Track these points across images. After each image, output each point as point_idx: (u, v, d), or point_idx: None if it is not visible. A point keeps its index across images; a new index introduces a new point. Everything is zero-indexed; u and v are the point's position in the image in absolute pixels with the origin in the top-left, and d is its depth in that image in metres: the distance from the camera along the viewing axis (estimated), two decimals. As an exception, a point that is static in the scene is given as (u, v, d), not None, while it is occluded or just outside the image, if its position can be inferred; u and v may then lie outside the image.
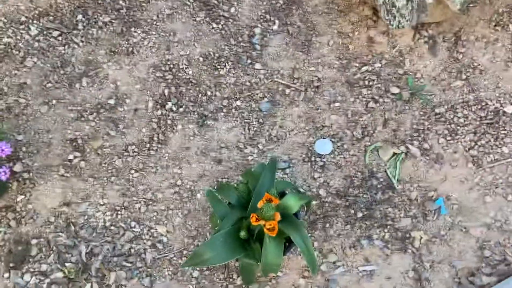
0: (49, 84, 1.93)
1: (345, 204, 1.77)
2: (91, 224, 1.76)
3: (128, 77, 1.96)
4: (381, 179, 1.81)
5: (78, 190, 1.80)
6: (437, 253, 1.69)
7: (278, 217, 1.29)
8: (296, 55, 2.02)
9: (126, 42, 2.01)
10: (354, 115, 1.92)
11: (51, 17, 2.03)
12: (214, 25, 2.05)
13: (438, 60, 1.99)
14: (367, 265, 1.69)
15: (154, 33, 2.03)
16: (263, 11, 2.08)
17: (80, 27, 2.03)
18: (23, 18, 2.02)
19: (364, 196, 1.79)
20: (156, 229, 1.76)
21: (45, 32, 2.01)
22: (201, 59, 1.99)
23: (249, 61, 2.00)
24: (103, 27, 2.04)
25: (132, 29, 2.03)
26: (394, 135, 1.89)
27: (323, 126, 1.91)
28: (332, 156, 1.85)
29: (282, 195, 1.53)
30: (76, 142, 1.86)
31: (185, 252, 1.72)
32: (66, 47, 1.99)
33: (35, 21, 2.02)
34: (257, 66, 1.99)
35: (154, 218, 1.77)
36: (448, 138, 1.86)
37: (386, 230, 1.73)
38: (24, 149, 1.83)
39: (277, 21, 2.07)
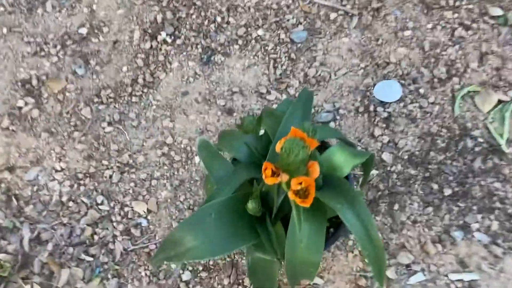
0: (1, 8, 1.40)
1: (423, 175, 1.13)
2: (42, 198, 1.20)
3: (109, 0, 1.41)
4: (480, 139, 1.16)
5: (27, 149, 1.24)
6: None
7: (315, 169, 0.67)
8: (345, -32, 1.40)
9: (110, -45, 1.46)
10: (434, 48, 1.28)
11: None
12: None
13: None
14: (464, 272, 1.03)
15: None
16: None
17: None
18: None
19: (454, 163, 1.14)
20: (132, 208, 1.17)
21: None
22: (210, -26, 1.41)
23: (278, -23, 1.40)
24: None
25: None
26: (498, 75, 1.23)
27: (386, 63, 1.27)
28: (401, 104, 1.21)
29: (323, 148, 0.91)
30: (30, 84, 1.31)
31: (172, 242, 1.12)
32: (29, -39, 1.46)
33: None
34: (290, -17, 1.39)
35: (131, 191, 1.19)
36: None
37: (492, 217, 1.07)
38: (-42, 92, 1.30)
39: None
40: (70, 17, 1.39)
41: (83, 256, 1.14)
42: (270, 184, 0.66)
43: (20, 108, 1.28)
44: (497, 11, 1.30)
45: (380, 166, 1.14)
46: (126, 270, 1.11)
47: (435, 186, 1.11)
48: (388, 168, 1.14)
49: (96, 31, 1.37)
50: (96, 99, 1.29)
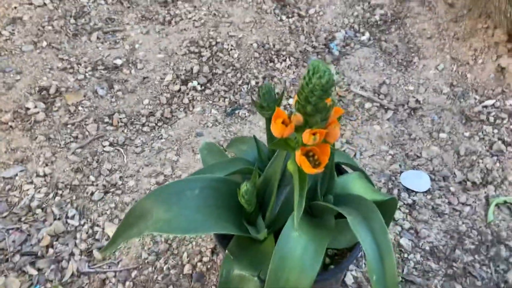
0: (49, 27, 1.43)
1: (445, 272, 0.95)
2: (10, 198, 1.06)
3: (153, 44, 1.42)
4: (516, 251, 0.99)
5: (17, 147, 1.14)
6: None
7: (336, 130, 0.55)
8: (387, 71, 1.41)
9: (166, 12, 1.53)
10: (470, 155, 1.19)
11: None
12: (284, 18, 1.54)
13: None
14: None
15: (204, 9, 1.54)
16: (352, 21, 1.56)
17: (118, -12, 1.60)
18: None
19: (484, 269, 0.96)
20: (103, 229, 1.01)
21: (74, -17, 1.59)
22: (255, 45, 1.44)
23: (320, 63, 1.41)
24: (146, -6, 1.59)
25: (180, 2, 1.56)
26: (538, 194, 1.11)
27: (417, 156, 1.18)
28: (428, 196, 1.09)
29: (338, 172, 0.79)
30: (47, 91, 1.26)
31: (134, 274, 0.93)
32: (92, 1, 1.54)
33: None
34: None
35: (108, 212, 1.03)
36: None
37: (527, 338, 0.86)
38: (-26, 82, 1.26)
39: (367, 34, 1.52)
40: (110, 49, 1.40)
41: (28, 268, 0.94)
42: (278, 135, 0.54)
43: (27, 109, 1.21)
44: (539, 136, 1.23)
45: (396, 250, 0.97)
46: (69, 295, 0.91)
47: (459, 287, 0.92)
48: (405, 255, 0.97)
49: (130, 65, 1.36)
50: (106, 120, 1.21)
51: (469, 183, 1.12)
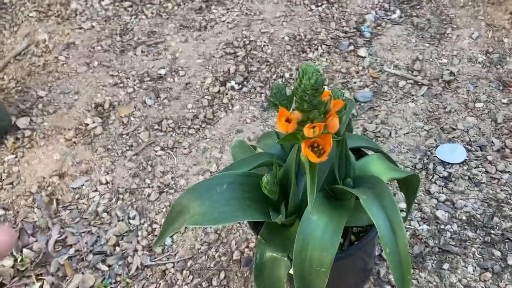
0: (98, 47, 1.57)
1: (483, 239, 0.97)
2: (80, 205, 1.20)
3: (192, 50, 1.53)
4: (558, 214, 0.99)
5: (81, 160, 1.29)
6: None
7: (335, 121, 0.61)
8: (420, 47, 1.42)
9: (202, 18, 1.62)
10: (509, 121, 1.19)
11: (130, -7, 1.77)
12: (313, 7, 1.58)
13: None
14: None
15: (236, 10, 1.62)
16: (382, 0, 1.57)
17: (156, 1, 1.71)
18: (101, -8, 1.79)
19: (523, 233, 0.97)
20: (161, 225, 1.12)
21: (116, 3, 1.73)
22: (286, 38, 1.50)
23: (351, 47, 1.45)
24: (181, 3, 1.70)
25: (213, 6, 1.65)
26: None
27: (452, 128, 1.20)
28: (465, 167, 1.11)
29: (359, 157, 0.85)
30: (102, 107, 1.40)
31: (190, 263, 1.04)
32: (133, 17, 1.66)
33: (112, -5, 1.77)
34: (362, 53, 1.42)
35: (164, 210, 1.15)
36: None
37: None
38: (40, 106, 1.42)
39: (398, 11, 1.53)
40: (154, 61, 1.52)
41: (100, 265, 1.08)
42: (284, 131, 0.61)
43: (87, 124, 1.36)
44: None
45: (432, 222, 1.01)
46: (136, 285, 1.03)
47: (497, 253, 0.94)
48: (442, 226, 1.00)
49: (173, 73, 1.47)
50: (156, 127, 1.33)
51: (507, 150, 1.13)
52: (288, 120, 0.62)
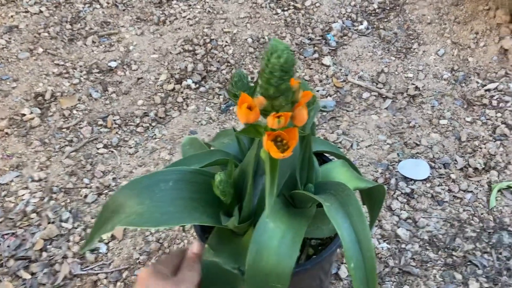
0: (45, 34, 1.44)
1: (445, 261, 0.91)
2: (5, 204, 1.06)
3: (148, 45, 1.42)
4: (520, 238, 0.95)
5: (13, 153, 1.15)
6: None
7: (303, 112, 0.52)
8: (386, 59, 1.37)
9: (161, 12, 1.52)
10: (472, 140, 1.15)
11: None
12: (279, 11, 1.52)
13: None
14: None
15: (199, 7, 1.53)
16: (349, 10, 1.53)
17: (113, -9, 1.60)
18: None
19: (485, 256, 0.92)
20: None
21: (70, -11, 1.60)
22: (250, 40, 1.42)
23: (315, 55, 1.38)
24: (141, -5, 1.59)
25: (174, 1, 1.56)
26: (545, 177, 1.07)
27: (416, 144, 1.15)
28: (428, 184, 1.05)
29: (321, 162, 0.77)
30: (43, 97, 1.27)
31: (126, 274, 0.92)
32: (87, 5, 1.54)
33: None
34: (326, 61, 1.36)
35: (102, 213, 1.03)
36: None
37: (532, 327, 0.82)
38: (-29, 91, 1.27)
39: (365, 23, 1.49)
40: (105, 52, 1.40)
41: (21, 272, 0.95)
42: (244, 120, 0.52)
43: (23, 115, 1.22)
44: (546, 118, 1.19)
45: (393, 240, 0.94)
46: (62, 297, 0.91)
47: (459, 276, 0.89)
48: (403, 245, 0.94)
49: (125, 66, 1.36)
50: (100, 122, 1.21)
51: (470, 169, 1.09)
52: (250, 108, 0.53)
